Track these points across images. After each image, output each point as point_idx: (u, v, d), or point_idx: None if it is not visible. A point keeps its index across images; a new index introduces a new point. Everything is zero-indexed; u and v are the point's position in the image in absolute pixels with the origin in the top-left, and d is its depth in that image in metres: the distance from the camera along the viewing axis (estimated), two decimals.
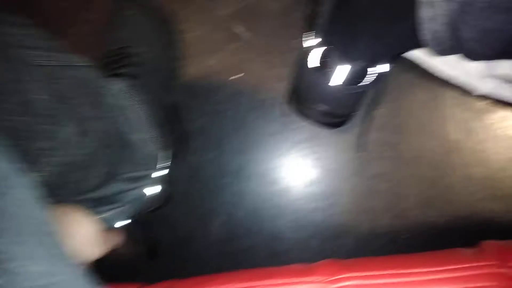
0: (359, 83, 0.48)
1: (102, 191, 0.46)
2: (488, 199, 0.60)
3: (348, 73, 0.47)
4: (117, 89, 0.49)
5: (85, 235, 0.42)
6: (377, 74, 0.48)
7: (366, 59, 0.46)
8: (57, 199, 0.40)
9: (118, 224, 0.50)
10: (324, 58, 0.48)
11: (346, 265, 0.36)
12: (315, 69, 0.49)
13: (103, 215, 0.46)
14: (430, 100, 0.61)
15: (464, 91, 0.59)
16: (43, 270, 0.24)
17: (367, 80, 0.49)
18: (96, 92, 0.44)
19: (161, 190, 0.57)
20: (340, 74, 0.47)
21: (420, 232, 0.61)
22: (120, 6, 0.60)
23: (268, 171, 0.64)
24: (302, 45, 0.52)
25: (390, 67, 0.49)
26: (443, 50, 0.34)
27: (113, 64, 0.54)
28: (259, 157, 0.64)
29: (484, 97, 0.59)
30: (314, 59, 0.49)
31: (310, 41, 0.50)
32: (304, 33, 0.51)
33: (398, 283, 0.35)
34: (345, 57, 0.46)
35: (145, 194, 0.53)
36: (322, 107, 0.54)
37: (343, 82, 0.48)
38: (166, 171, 0.56)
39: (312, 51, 0.49)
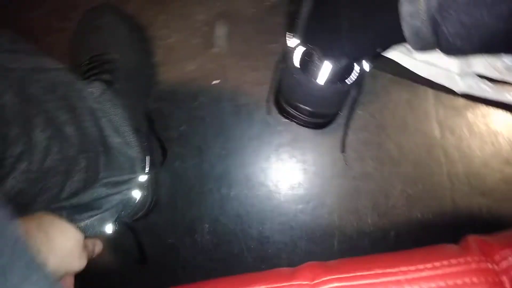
0: (342, 81, 0.48)
1: (82, 197, 0.44)
2: (474, 194, 0.61)
3: (331, 72, 0.47)
4: (98, 92, 0.48)
5: (67, 246, 0.41)
6: (359, 72, 0.48)
7: (348, 56, 0.46)
8: (34, 207, 0.38)
9: (103, 230, 0.49)
10: (306, 57, 0.48)
11: (330, 267, 0.36)
12: (298, 69, 0.49)
13: (84, 223, 0.44)
14: (413, 98, 0.61)
15: (445, 89, 0.59)
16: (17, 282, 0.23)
17: (350, 78, 0.48)
18: (72, 95, 0.42)
19: (144, 195, 0.56)
20: (323, 73, 0.47)
21: (407, 229, 0.61)
22: (93, 15, 0.59)
23: (251, 176, 0.64)
24: (283, 47, 0.52)
25: (371, 64, 0.49)
26: (424, 46, 0.34)
27: (88, 72, 0.53)
28: (241, 162, 0.64)
29: (464, 94, 0.59)
30: (296, 60, 0.49)
31: (292, 41, 0.50)
32: (286, 34, 0.51)
33: (383, 283, 0.35)
34: (327, 56, 0.46)
35: (128, 199, 0.52)
36: (306, 108, 0.54)
37: (326, 81, 0.48)
38: (147, 176, 0.56)
39: (294, 51, 0.49)
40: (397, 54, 0.59)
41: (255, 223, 0.64)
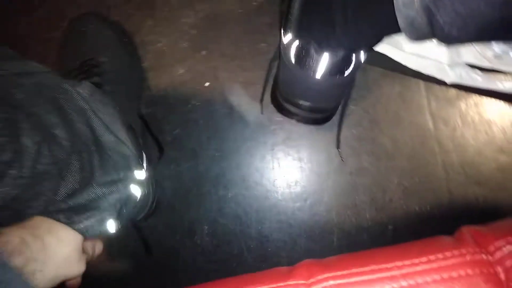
0: (339, 73, 0.48)
1: (78, 198, 0.44)
2: (469, 184, 0.61)
3: (329, 64, 0.46)
4: (86, 92, 0.47)
5: (64, 252, 0.40)
6: (356, 63, 0.48)
7: (344, 47, 0.45)
8: (30, 212, 0.38)
9: (105, 230, 0.48)
10: (302, 52, 0.47)
11: (327, 264, 0.36)
12: (295, 64, 0.49)
13: (83, 224, 0.44)
14: (404, 91, 0.61)
15: (436, 80, 0.59)
16: None
17: (347, 69, 0.48)
18: (60, 97, 0.42)
19: (145, 194, 0.56)
20: (321, 66, 0.47)
21: (405, 222, 0.62)
22: (79, 23, 0.59)
23: (247, 176, 0.64)
24: (278, 44, 0.52)
25: (367, 55, 0.49)
26: (419, 36, 0.34)
27: (77, 77, 0.54)
28: (237, 163, 0.64)
29: (455, 85, 0.59)
30: (292, 55, 0.49)
31: (286, 37, 0.49)
32: (279, 31, 0.51)
33: (379, 279, 0.35)
34: (324, 48, 0.45)
35: (127, 197, 0.52)
36: (306, 103, 0.53)
37: (324, 73, 0.47)
38: (146, 173, 0.55)
39: (289, 47, 0.49)
40: (386, 47, 0.58)
41: (254, 223, 0.64)
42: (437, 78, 0.59)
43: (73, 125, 0.42)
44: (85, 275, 0.44)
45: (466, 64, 0.56)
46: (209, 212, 0.64)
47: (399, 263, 0.36)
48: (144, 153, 0.55)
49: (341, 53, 0.46)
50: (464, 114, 0.61)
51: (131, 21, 0.65)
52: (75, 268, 0.42)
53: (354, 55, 0.47)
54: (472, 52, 0.56)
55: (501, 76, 0.56)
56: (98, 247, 0.50)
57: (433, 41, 0.51)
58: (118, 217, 0.50)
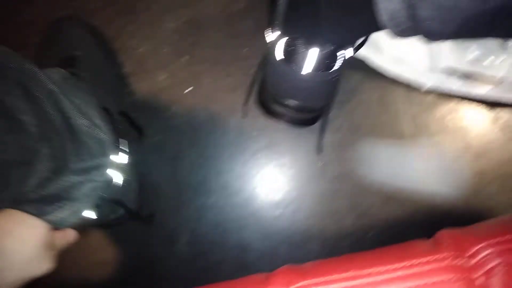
0: (326, 69, 0.48)
1: (50, 187, 0.41)
2: (446, 190, 0.61)
3: (316, 59, 0.46)
4: (59, 76, 0.45)
5: (23, 252, 0.37)
6: (344, 59, 0.48)
7: (330, 42, 0.45)
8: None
9: (81, 219, 0.45)
10: (290, 47, 0.47)
11: (306, 270, 0.36)
12: (282, 61, 0.48)
13: (54, 215, 0.41)
14: (384, 96, 0.62)
15: (413, 87, 0.60)
16: None
17: (335, 65, 0.48)
18: (26, 79, 0.39)
19: (128, 179, 0.54)
20: (307, 62, 0.47)
21: (384, 228, 0.62)
22: (56, 25, 0.58)
23: (229, 183, 0.63)
24: (266, 43, 0.51)
25: (355, 51, 0.49)
26: (402, 31, 0.34)
27: None
28: (218, 169, 0.63)
29: (431, 91, 0.60)
30: (279, 53, 0.49)
31: (273, 36, 0.49)
32: (268, 28, 0.51)
33: (359, 285, 0.35)
34: (311, 42, 0.45)
35: (105, 183, 0.50)
36: (293, 102, 0.53)
37: (312, 70, 0.47)
38: (124, 157, 0.53)
39: (276, 45, 0.48)
40: (367, 51, 0.59)
41: (235, 231, 0.63)
42: (413, 85, 0.60)
43: (42, 110, 0.40)
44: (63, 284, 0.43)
45: (441, 71, 0.57)
46: (189, 220, 0.63)
47: (379, 268, 0.36)
48: (118, 139, 0.53)
49: (327, 49, 0.45)
50: (441, 119, 0.62)
51: (111, 26, 0.64)
52: (41, 267, 0.39)
53: (340, 51, 0.47)
54: (452, 55, 0.57)
55: (479, 82, 0.57)
56: (69, 237, 0.46)
57: (415, 42, 0.52)
58: (97, 205, 0.48)
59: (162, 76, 0.64)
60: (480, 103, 0.61)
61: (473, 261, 0.35)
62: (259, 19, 0.62)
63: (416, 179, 0.62)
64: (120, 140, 0.53)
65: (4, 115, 0.35)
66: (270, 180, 0.63)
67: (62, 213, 0.42)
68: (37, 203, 0.40)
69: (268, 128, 0.63)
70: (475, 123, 0.61)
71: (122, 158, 0.52)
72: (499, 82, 0.57)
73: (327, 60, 0.47)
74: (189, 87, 0.64)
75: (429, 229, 0.43)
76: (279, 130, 0.63)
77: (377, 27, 0.36)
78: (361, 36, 0.47)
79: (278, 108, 0.56)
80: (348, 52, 0.48)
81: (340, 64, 0.48)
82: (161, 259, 0.64)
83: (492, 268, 0.34)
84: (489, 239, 0.35)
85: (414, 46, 0.57)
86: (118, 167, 0.52)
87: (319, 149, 0.62)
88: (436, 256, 0.35)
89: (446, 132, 0.62)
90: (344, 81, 0.61)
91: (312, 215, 0.63)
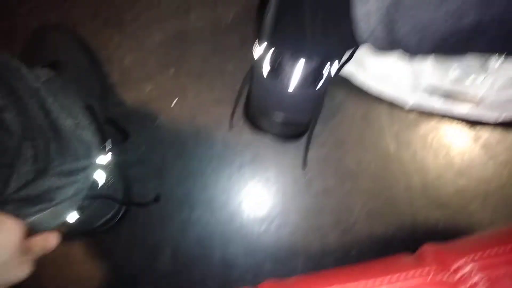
0: (312, 84, 0.48)
1: (32, 189, 0.39)
2: (430, 207, 0.62)
3: (302, 74, 0.47)
4: (46, 76, 0.44)
5: (8, 250, 0.35)
6: (327, 75, 0.49)
7: (316, 56, 0.46)
8: None
9: (60, 222, 0.43)
10: (276, 61, 0.48)
11: (288, 285, 0.35)
12: (269, 75, 0.49)
13: (34, 218, 0.39)
14: (368, 113, 0.63)
15: (396, 104, 0.61)
16: None
17: (319, 81, 0.49)
18: (9, 75, 0.38)
19: (109, 178, 0.53)
20: (294, 76, 0.47)
21: (368, 244, 0.62)
22: (41, 33, 0.58)
23: (213, 197, 0.63)
24: (252, 57, 0.52)
25: (340, 68, 0.50)
26: (381, 46, 0.35)
27: None
28: (203, 183, 0.63)
29: (414, 109, 0.61)
30: (266, 66, 0.49)
31: (260, 49, 0.50)
32: (255, 42, 0.51)
33: None
34: (297, 56, 0.46)
35: (87, 187, 0.48)
36: (281, 116, 0.53)
37: (297, 85, 0.48)
38: (108, 157, 0.52)
39: (263, 59, 0.49)
40: (351, 68, 0.60)
41: (218, 247, 0.62)
42: (397, 103, 0.61)
43: (24, 108, 0.38)
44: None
45: (427, 86, 0.59)
46: (172, 235, 0.62)
47: (362, 283, 0.36)
48: (103, 141, 0.52)
49: (314, 62, 0.46)
50: (424, 137, 0.63)
51: (98, 37, 0.64)
52: (16, 272, 0.36)
53: (326, 66, 0.48)
54: (434, 74, 0.58)
55: (460, 101, 0.59)
56: (50, 241, 0.42)
57: (398, 61, 0.53)
58: (81, 207, 0.46)
59: (147, 88, 0.64)
60: (461, 122, 0.62)
61: (457, 276, 0.35)
62: (245, 34, 0.63)
63: (399, 196, 0.62)
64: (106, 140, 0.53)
65: None
66: (255, 195, 0.63)
67: (41, 216, 0.40)
68: (18, 204, 0.38)
69: (254, 143, 0.63)
70: (457, 141, 0.63)
71: (107, 157, 0.52)
72: (479, 101, 0.58)
73: (313, 76, 0.48)
74: (174, 100, 0.63)
75: (412, 246, 0.43)
76: (265, 144, 0.63)
77: (359, 41, 0.37)
78: (345, 49, 0.48)
79: (264, 123, 0.57)
80: (334, 68, 0.49)
81: (326, 79, 0.48)
82: (143, 273, 0.62)
83: (475, 284, 0.34)
84: (471, 254, 0.36)
85: (397, 64, 0.59)
86: (103, 167, 0.51)
87: (304, 164, 0.62)
88: (420, 270, 0.35)
89: (428, 149, 0.63)
90: (329, 97, 0.62)
91: (297, 230, 0.62)
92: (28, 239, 0.38)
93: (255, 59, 0.51)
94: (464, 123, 0.62)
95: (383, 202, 0.62)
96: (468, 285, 0.34)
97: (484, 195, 0.62)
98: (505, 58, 0.54)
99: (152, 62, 0.64)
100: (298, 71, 0.46)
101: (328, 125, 0.63)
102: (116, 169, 0.55)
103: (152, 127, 0.63)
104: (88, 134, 0.47)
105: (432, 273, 0.35)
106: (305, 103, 0.52)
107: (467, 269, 0.35)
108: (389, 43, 0.34)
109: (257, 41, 0.51)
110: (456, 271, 0.35)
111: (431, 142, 0.63)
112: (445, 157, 0.62)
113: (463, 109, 0.59)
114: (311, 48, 0.45)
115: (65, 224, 0.44)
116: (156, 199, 0.61)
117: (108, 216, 0.57)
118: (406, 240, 0.61)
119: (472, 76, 0.56)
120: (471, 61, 0.56)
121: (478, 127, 0.62)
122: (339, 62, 0.49)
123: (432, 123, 0.63)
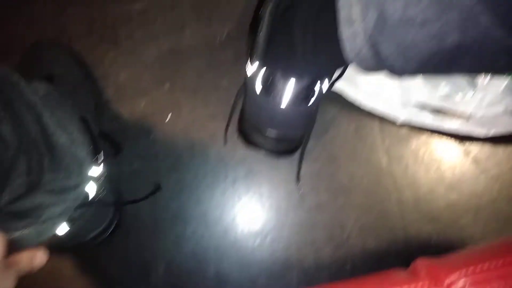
0: (304, 101, 0.49)
1: (22, 203, 0.38)
2: (423, 221, 0.62)
3: (294, 91, 0.48)
4: (44, 90, 0.44)
5: None
6: (319, 92, 0.49)
7: (307, 74, 0.47)
8: None
9: (50, 235, 0.43)
10: (268, 79, 0.49)
11: None
12: (261, 92, 0.49)
13: (20, 233, 0.38)
14: (360, 128, 0.64)
15: (388, 120, 0.62)
16: None
17: (313, 96, 0.49)
18: (6, 89, 0.38)
19: (99, 189, 0.52)
20: (286, 93, 0.48)
21: (362, 259, 0.62)
22: (36, 47, 0.58)
23: (207, 212, 0.63)
24: (246, 74, 0.53)
25: (331, 85, 0.50)
26: (368, 66, 0.35)
27: None
28: (197, 198, 0.63)
29: (405, 124, 0.62)
30: (258, 84, 0.50)
31: (252, 68, 0.50)
32: (247, 61, 0.52)
33: None
34: (289, 74, 0.47)
35: (76, 204, 0.48)
36: (273, 132, 0.54)
37: (289, 102, 0.49)
38: (96, 175, 0.51)
39: (255, 77, 0.50)
40: (343, 84, 0.61)
41: (213, 262, 0.62)
42: (388, 118, 0.62)
43: (21, 122, 0.38)
44: None
45: (418, 102, 0.60)
46: (166, 250, 0.62)
47: None
48: (96, 160, 0.52)
49: (305, 80, 0.47)
50: (415, 152, 0.64)
51: (93, 53, 0.64)
52: None
53: (317, 84, 0.48)
54: (424, 91, 0.59)
55: (450, 117, 0.60)
56: (38, 258, 0.39)
57: (385, 77, 0.54)
58: (72, 219, 0.46)
59: (142, 103, 0.64)
60: (451, 137, 0.63)
61: None
62: (239, 50, 0.64)
63: (391, 210, 0.63)
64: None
65: None
66: (249, 210, 0.63)
67: (26, 231, 0.39)
68: (6, 217, 0.37)
69: (248, 158, 0.63)
70: (448, 156, 0.64)
71: (99, 169, 0.52)
72: (469, 117, 0.59)
73: (304, 93, 0.49)
74: (169, 115, 0.64)
75: (404, 262, 0.43)
76: (258, 159, 0.63)
77: (347, 62, 0.38)
78: (335, 68, 0.49)
79: (257, 138, 0.57)
80: (325, 86, 0.50)
81: (317, 96, 0.49)
82: None
83: None
84: (464, 269, 0.36)
85: (387, 81, 0.60)
86: (95, 179, 0.50)
87: (298, 179, 0.62)
88: (414, 286, 0.36)
89: (419, 164, 0.63)
90: (321, 113, 0.63)
91: (290, 245, 0.62)
92: (12, 254, 0.37)
93: (248, 78, 0.52)
94: (454, 138, 0.63)
95: (375, 217, 0.62)
96: None
97: (475, 209, 0.63)
98: (492, 75, 0.55)
99: (147, 77, 0.64)
100: (289, 89, 0.47)
101: (321, 141, 0.63)
102: (108, 182, 0.55)
103: (146, 142, 0.63)
104: (82, 150, 0.47)
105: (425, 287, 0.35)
106: (297, 119, 0.52)
107: (459, 284, 0.35)
108: (376, 63, 0.34)
109: (249, 60, 0.52)
110: (449, 286, 0.35)
111: (422, 156, 0.64)
112: (436, 171, 0.63)
113: (453, 124, 0.60)
114: (302, 67, 0.46)
115: (55, 236, 0.44)
116: (154, 192, 0.60)
117: (100, 228, 0.57)
118: (399, 254, 0.61)
119: (461, 93, 0.58)
120: (460, 78, 0.58)
121: (468, 142, 0.63)
122: (329, 80, 0.50)
123: (423, 138, 0.64)
